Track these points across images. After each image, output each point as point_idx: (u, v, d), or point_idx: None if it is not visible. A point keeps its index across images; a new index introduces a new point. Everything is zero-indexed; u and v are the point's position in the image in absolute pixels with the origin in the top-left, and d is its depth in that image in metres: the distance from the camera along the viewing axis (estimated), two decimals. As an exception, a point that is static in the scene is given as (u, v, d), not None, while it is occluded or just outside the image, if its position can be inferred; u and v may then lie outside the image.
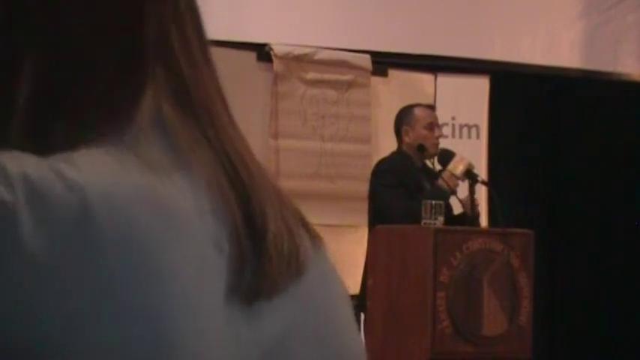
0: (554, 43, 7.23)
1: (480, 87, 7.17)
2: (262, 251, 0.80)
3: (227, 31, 6.53)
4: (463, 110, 7.17)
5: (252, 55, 6.65)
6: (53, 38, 0.79)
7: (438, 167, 5.74)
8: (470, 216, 5.54)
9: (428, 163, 5.84)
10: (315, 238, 0.89)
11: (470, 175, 5.58)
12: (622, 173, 7.15)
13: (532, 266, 5.32)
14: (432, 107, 6.12)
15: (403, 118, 5.87)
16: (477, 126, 7.18)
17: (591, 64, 7.31)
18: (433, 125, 5.82)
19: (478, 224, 5.67)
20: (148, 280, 0.73)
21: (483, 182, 5.86)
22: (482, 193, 6.36)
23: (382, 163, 5.87)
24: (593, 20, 7.31)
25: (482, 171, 6.54)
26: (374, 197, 5.72)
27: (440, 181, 5.57)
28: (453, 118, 7.15)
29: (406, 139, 5.80)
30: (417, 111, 5.86)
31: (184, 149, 0.80)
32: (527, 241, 5.36)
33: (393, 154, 5.88)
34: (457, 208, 5.68)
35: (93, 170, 0.75)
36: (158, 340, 0.72)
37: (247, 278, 0.79)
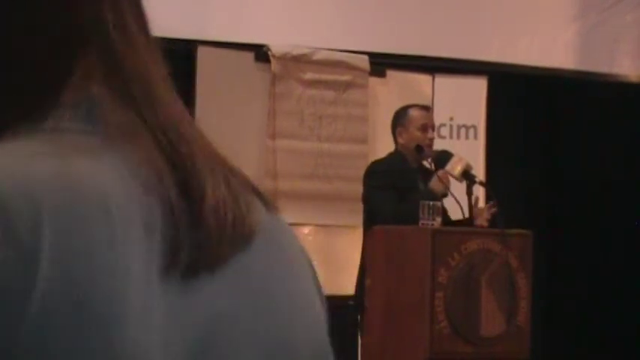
0: (551, 44, 7.23)
1: (477, 88, 7.17)
2: (200, 223, 0.77)
3: (225, 32, 6.53)
4: (461, 111, 7.17)
5: (249, 56, 6.65)
6: None
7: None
8: (469, 218, 5.53)
9: (425, 163, 5.84)
10: (270, 207, 0.85)
11: (468, 175, 5.58)
12: (619, 174, 7.15)
13: (530, 267, 5.32)
14: (427, 108, 6.10)
15: (398, 119, 5.88)
16: (474, 126, 7.18)
17: (588, 65, 7.32)
18: (427, 126, 5.82)
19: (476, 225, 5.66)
20: (68, 263, 0.70)
21: (481, 183, 5.85)
22: (480, 193, 6.36)
23: (376, 164, 5.87)
24: (590, 21, 7.32)
25: (480, 172, 6.53)
26: (366, 198, 5.73)
27: (432, 182, 5.57)
28: (451, 119, 7.15)
29: (400, 140, 5.81)
30: (411, 112, 5.86)
31: (113, 131, 0.77)
32: (525, 241, 5.36)
33: (388, 155, 5.89)
34: (451, 208, 5.66)
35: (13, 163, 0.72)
36: (90, 328, 0.70)
37: (185, 253, 0.75)
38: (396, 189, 5.59)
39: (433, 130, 5.93)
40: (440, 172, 5.57)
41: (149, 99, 0.80)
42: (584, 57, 7.31)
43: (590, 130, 7.19)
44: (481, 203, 5.72)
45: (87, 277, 0.71)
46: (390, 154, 5.88)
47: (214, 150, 0.83)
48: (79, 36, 0.79)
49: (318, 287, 0.89)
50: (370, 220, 5.55)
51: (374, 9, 6.91)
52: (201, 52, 6.38)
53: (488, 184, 6.12)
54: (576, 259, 7.09)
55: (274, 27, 6.71)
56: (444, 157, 5.65)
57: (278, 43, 6.68)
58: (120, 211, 0.74)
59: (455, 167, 5.57)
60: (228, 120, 6.05)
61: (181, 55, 6.09)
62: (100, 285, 0.71)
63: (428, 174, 5.73)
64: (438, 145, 6.10)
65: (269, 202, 0.85)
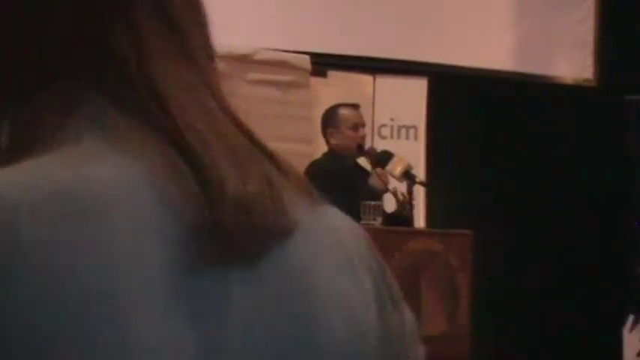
0: (490, 46, 7.30)
1: (418, 88, 7.21)
2: (220, 216, 0.75)
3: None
4: (402, 111, 7.20)
5: (191, 56, 6.61)
6: None
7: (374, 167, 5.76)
8: (405, 215, 5.55)
9: (360, 162, 5.85)
10: (317, 203, 0.83)
11: (408, 175, 5.60)
12: (557, 173, 7.23)
13: (471, 267, 5.36)
14: (356, 106, 6.11)
15: (327, 119, 5.90)
16: (415, 127, 7.22)
17: (526, 67, 7.40)
18: (358, 125, 5.85)
19: (412, 224, 5.67)
20: (51, 260, 0.70)
21: (421, 183, 5.88)
22: (420, 193, 6.39)
23: (313, 166, 5.87)
24: (529, 24, 7.40)
25: (420, 172, 6.56)
26: None
27: (372, 179, 5.59)
28: (392, 119, 7.18)
29: (332, 141, 5.83)
30: (341, 112, 5.89)
31: (124, 133, 0.77)
32: (466, 241, 5.39)
33: (323, 156, 5.90)
34: (391, 206, 5.68)
35: (8, 173, 0.72)
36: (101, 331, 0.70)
37: (205, 248, 0.74)
38: (337, 189, 5.59)
39: (364, 127, 5.95)
40: (378, 170, 5.60)
41: (157, 97, 0.79)
42: (522, 59, 7.39)
43: (527, 130, 7.27)
44: (421, 203, 5.74)
45: (70, 274, 0.70)
46: (325, 155, 5.89)
47: (253, 145, 0.82)
48: (81, 38, 0.78)
49: (370, 285, 0.86)
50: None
51: (315, 9, 6.91)
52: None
53: (429, 185, 6.15)
54: (517, 259, 7.15)
55: (214, 27, 6.68)
56: (384, 158, 5.67)
57: (219, 42, 6.64)
58: (130, 215, 0.73)
59: (395, 167, 5.59)
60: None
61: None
62: (86, 283, 0.70)
63: (365, 173, 5.75)
64: (379, 145, 6.12)
65: (316, 199, 0.83)
